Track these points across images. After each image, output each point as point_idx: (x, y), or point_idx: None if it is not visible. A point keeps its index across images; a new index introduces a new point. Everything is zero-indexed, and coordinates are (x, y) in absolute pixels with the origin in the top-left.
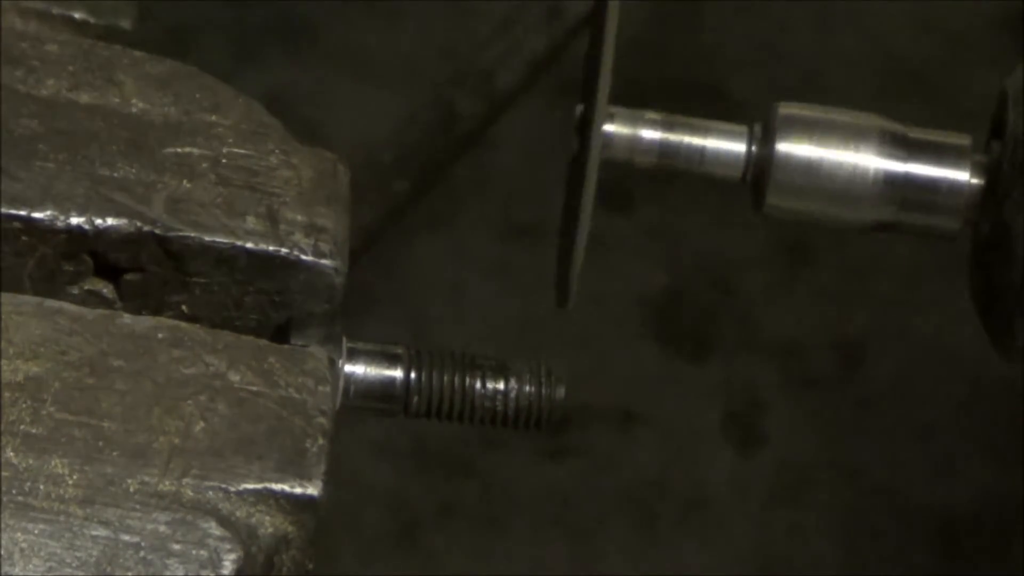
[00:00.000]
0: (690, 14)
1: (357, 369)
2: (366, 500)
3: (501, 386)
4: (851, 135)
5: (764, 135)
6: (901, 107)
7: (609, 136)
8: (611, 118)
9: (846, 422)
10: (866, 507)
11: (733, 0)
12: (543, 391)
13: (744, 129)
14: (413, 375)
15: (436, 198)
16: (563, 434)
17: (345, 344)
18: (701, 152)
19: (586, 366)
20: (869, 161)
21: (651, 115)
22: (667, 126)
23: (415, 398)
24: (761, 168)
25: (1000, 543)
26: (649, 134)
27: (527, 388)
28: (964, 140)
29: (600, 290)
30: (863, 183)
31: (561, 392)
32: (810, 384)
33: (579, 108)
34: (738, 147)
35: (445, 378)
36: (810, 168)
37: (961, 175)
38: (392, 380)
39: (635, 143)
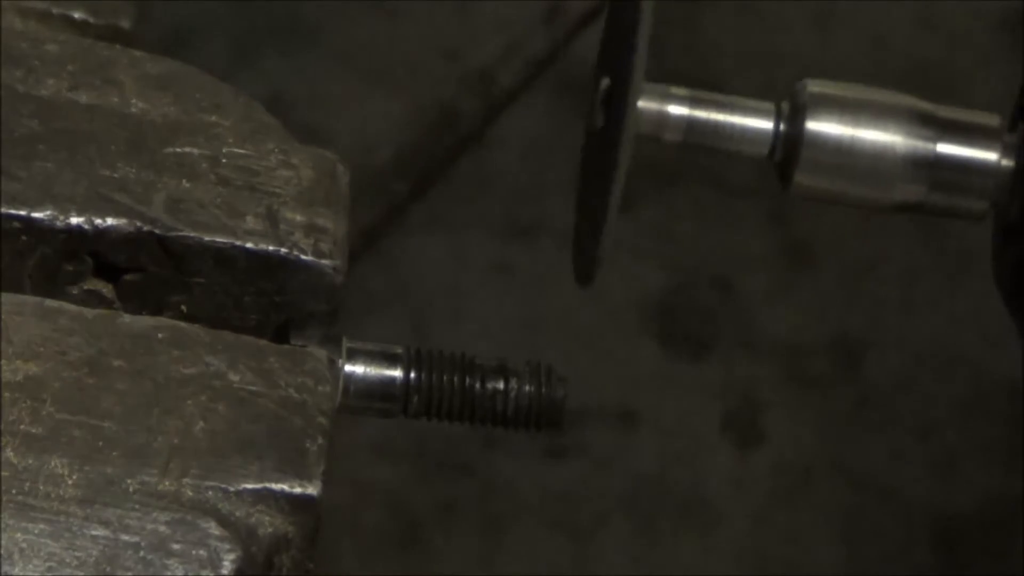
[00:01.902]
0: (690, 13)
1: (357, 369)
2: (366, 500)
3: (501, 386)
4: (881, 114)
5: (793, 113)
6: None
7: (638, 111)
8: (640, 93)
9: (846, 422)
10: (866, 507)
11: (733, 0)
12: (543, 391)
13: (771, 106)
14: (413, 375)
15: (436, 198)
16: (563, 434)
17: (345, 344)
18: (729, 129)
19: (586, 366)
20: (899, 140)
21: (678, 91)
22: (694, 102)
23: (415, 398)
24: (790, 146)
25: (1000, 543)
26: (677, 110)
27: (527, 388)
28: (994, 120)
29: (600, 290)
30: (892, 163)
31: (561, 392)
32: (810, 384)
33: (604, 81)
34: (766, 125)
35: (445, 378)
36: (840, 147)
37: (991, 156)
38: (392, 380)
39: (663, 119)
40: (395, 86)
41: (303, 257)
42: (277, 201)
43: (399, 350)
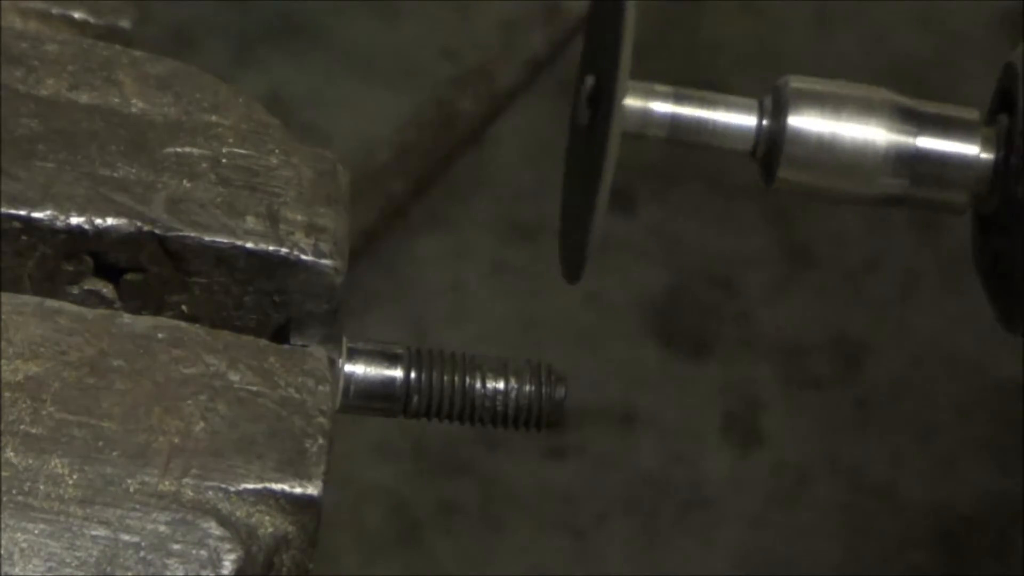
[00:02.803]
0: (690, 13)
1: (357, 369)
2: (366, 500)
3: (501, 386)
4: (862, 108)
5: (775, 109)
6: None
7: (624, 108)
8: (625, 91)
9: (846, 422)
10: (866, 507)
11: (733, 0)
12: (543, 391)
13: (754, 103)
14: (413, 375)
15: (436, 198)
16: (563, 434)
17: (345, 344)
18: (712, 126)
19: (586, 366)
20: (880, 135)
21: (662, 88)
22: (678, 99)
23: (415, 398)
24: (772, 142)
25: (1000, 543)
26: (661, 107)
27: (527, 388)
28: (973, 114)
29: (600, 290)
30: (874, 157)
31: (561, 392)
32: (810, 384)
33: (589, 79)
34: (749, 121)
35: (445, 378)
36: (822, 142)
37: (971, 149)
38: (392, 380)
39: (647, 116)
40: (395, 86)
41: (303, 257)
42: (277, 201)
43: (399, 350)
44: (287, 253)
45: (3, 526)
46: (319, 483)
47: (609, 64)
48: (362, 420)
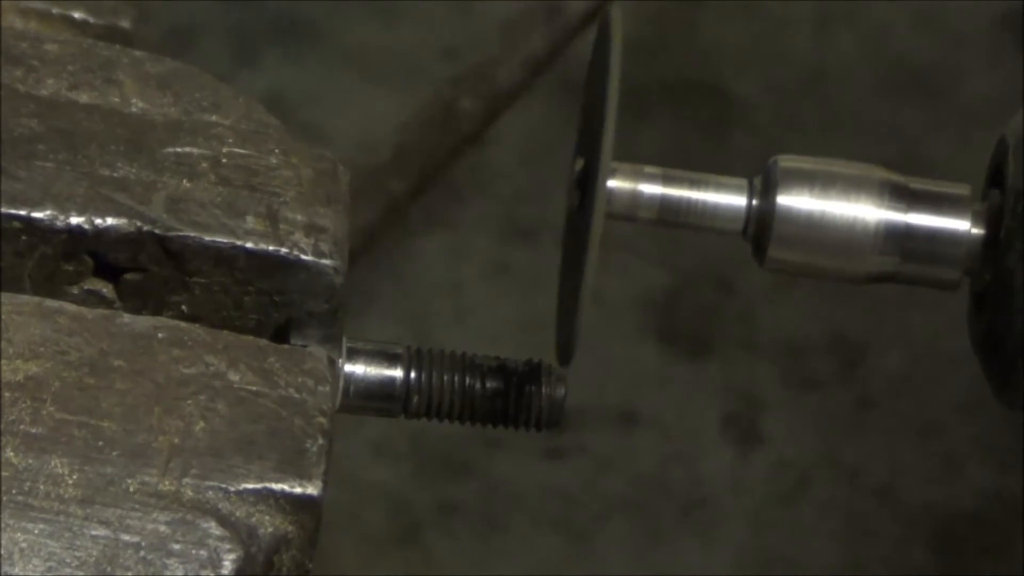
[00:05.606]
0: (690, 14)
1: (357, 369)
2: (366, 500)
3: (501, 386)
4: (851, 186)
5: (765, 188)
6: (901, 106)
7: (611, 191)
8: (613, 173)
9: (846, 422)
10: (866, 507)
11: (733, 0)
12: (543, 391)
13: (744, 183)
14: (413, 375)
15: (436, 198)
16: (563, 434)
17: (345, 344)
18: (702, 206)
19: (586, 366)
20: (870, 212)
21: (651, 170)
22: (667, 180)
23: (415, 398)
24: (762, 222)
25: (1000, 543)
26: (650, 189)
27: (527, 388)
28: (964, 190)
29: (600, 290)
30: (864, 235)
31: (561, 392)
32: (810, 384)
33: (579, 162)
34: (739, 201)
35: (445, 378)
36: (811, 221)
37: (962, 225)
38: (392, 380)
39: (636, 198)
40: (395, 86)
41: (303, 257)
42: (277, 201)
43: (399, 350)
44: (287, 253)
45: (3, 526)
46: (319, 483)
47: (594, 146)
48: (362, 420)
